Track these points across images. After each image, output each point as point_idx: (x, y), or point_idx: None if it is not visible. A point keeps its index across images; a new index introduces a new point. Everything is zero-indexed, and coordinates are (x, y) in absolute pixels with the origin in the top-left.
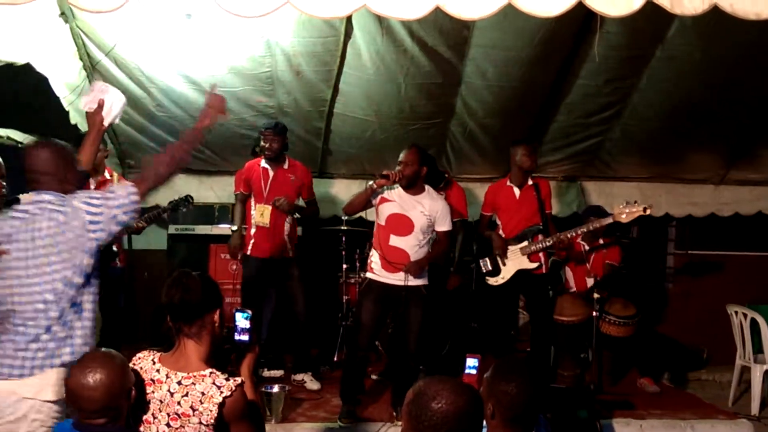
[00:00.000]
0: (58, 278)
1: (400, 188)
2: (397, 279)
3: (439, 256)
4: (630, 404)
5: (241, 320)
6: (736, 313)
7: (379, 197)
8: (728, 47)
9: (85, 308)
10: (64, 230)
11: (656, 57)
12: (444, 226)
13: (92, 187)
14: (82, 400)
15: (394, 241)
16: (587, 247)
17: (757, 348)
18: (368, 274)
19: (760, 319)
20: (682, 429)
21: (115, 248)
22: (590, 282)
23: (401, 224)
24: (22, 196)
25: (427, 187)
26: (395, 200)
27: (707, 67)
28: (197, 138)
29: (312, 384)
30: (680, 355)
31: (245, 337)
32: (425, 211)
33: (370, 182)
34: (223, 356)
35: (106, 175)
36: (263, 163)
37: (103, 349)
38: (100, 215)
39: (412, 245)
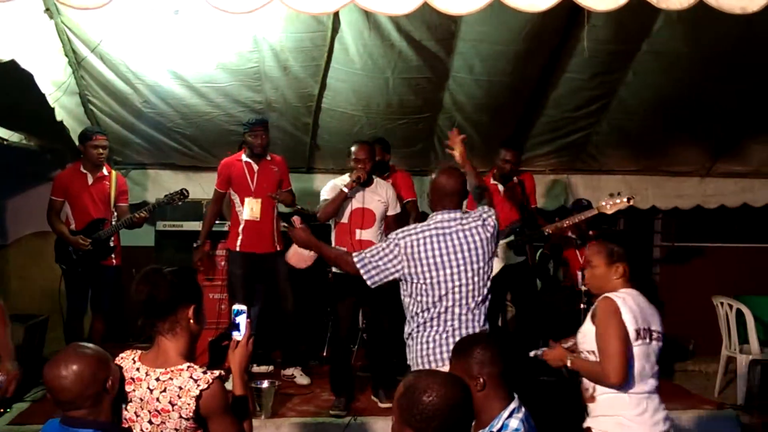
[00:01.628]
0: (481, 285)
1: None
2: None
3: None
4: None
5: (237, 316)
6: (722, 304)
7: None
8: (714, 41)
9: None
10: (486, 246)
11: (642, 51)
12: (394, 209)
13: (89, 182)
14: (56, 390)
15: (360, 234)
16: (579, 241)
17: (743, 338)
18: (335, 270)
19: (746, 310)
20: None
21: (112, 243)
22: (580, 275)
23: (364, 217)
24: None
25: (373, 177)
26: (353, 196)
27: (693, 61)
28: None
29: (301, 379)
30: (667, 346)
31: (240, 334)
32: (381, 198)
33: (341, 187)
34: (221, 353)
35: (105, 171)
36: (245, 158)
37: (78, 343)
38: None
39: (375, 235)
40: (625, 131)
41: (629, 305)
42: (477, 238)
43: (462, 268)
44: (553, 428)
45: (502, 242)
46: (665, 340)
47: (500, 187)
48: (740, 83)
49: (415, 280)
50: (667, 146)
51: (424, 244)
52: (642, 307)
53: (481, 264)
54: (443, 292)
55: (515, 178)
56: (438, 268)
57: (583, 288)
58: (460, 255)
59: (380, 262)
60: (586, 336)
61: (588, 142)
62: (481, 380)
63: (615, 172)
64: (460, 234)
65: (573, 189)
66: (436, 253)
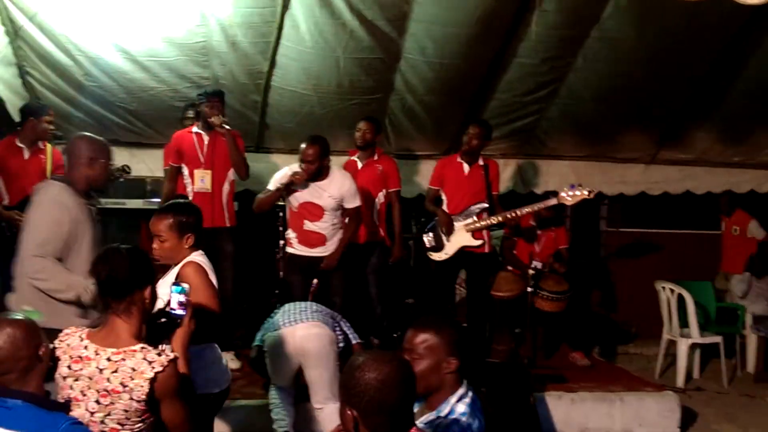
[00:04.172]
0: None
1: None
2: (316, 251)
3: (352, 236)
4: (562, 378)
5: (176, 294)
6: (664, 288)
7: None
8: (660, 29)
9: None
10: None
11: (592, 37)
12: (351, 203)
13: (26, 156)
14: None
15: (309, 225)
16: (539, 231)
17: (683, 322)
18: (288, 249)
19: (687, 295)
20: (612, 401)
21: None
22: (534, 263)
23: (312, 211)
24: None
25: (332, 169)
26: (302, 190)
27: (640, 48)
28: None
29: (233, 363)
30: (610, 329)
31: (181, 312)
32: (333, 195)
33: (277, 184)
34: (158, 331)
35: (40, 145)
36: (195, 129)
37: (7, 313)
38: None
39: (326, 227)
40: (574, 117)
41: (208, 265)
42: None
43: None
44: (501, 408)
45: (459, 224)
46: (609, 323)
47: (465, 167)
48: (685, 72)
49: None
50: (614, 133)
51: None
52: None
53: None
54: None
55: (481, 161)
56: None
57: (531, 272)
58: None
59: None
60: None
61: (537, 127)
62: (454, 362)
63: (563, 158)
64: None
65: (522, 174)
66: None
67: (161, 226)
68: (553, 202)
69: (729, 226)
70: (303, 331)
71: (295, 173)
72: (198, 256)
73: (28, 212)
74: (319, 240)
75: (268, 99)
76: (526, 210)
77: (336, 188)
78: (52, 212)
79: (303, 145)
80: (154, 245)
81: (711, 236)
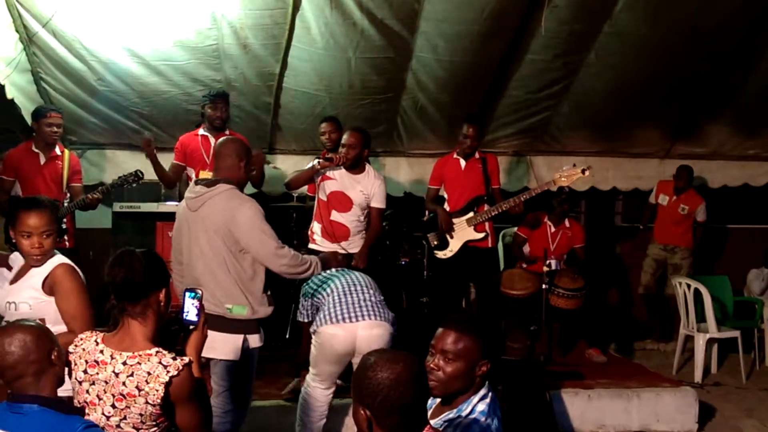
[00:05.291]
0: None
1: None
2: (338, 248)
3: (376, 236)
4: (579, 374)
5: (189, 300)
6: (680, 283)
7: (321, 175)
8: (673, 22)
9: None
10: None
11: (604, 32)
12: (377, 203)
13: (42, 162)
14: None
15: (335, 216)
16: (553, 228)
17: (700, 317)
18: (310, 245)
19: (703, 289)
20: (629, 397)
21: (64, 225)
22: (549, 261)
23: (342, 201)
24: None
25: (368, 167)
26: (336, 179)
27: (653, 42)
28: None
29: None
30: (626, 325)
31: (193, 317)
32: (364, 190)
33: (314, 162)
34: (170, 337)
35: (57, 151)
36: (202, 132)
37: (20, 319)
38: None
39: (352, 220)
40: (587, 113)
41: (76, 266)
42: None
43: None
44: (517, 405)
45: (460, 219)
46: (626, 318)
47: (462, 163)
48: (698, 65)
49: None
50: (628, 128)
51: None
52: None
53: None
54: None
55: (477, 155)
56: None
57: (546, 269)
58: None
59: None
60: (36, 308)
61: (550, 124)
62: (487, 365)
63: (577, 154)
64: None
65: (535, 170)
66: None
67: (42, 220)
68: (549, 185)
69: (677, 204)
70: (365, 330)
71: (333, 154)
72: (64, 257)
73: (234, 216)
74: (343, 233)
75: (279, 100)
76: (524, 197)
77: (369, 184)
78: (259, 209)
79: (345, 135)
80: (34, 243)
81: (728, 230)
